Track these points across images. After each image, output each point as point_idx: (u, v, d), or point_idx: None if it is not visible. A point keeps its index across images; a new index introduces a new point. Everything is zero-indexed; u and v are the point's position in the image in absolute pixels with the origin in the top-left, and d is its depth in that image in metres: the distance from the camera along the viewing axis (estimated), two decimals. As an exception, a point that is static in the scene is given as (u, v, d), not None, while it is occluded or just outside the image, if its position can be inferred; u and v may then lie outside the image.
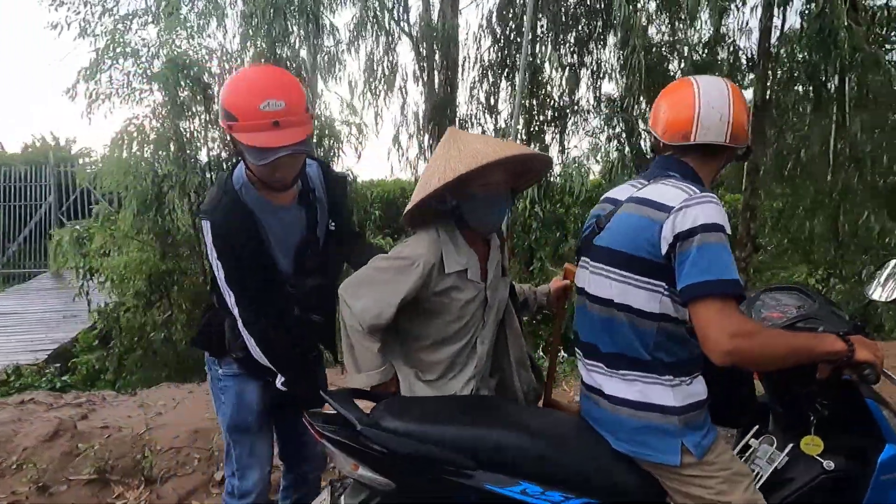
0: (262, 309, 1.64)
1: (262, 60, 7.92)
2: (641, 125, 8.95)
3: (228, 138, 1.66)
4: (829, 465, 1.56)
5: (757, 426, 1.77)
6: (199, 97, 8.45)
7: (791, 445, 1.60)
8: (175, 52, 7.51)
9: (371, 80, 8.30)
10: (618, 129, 9.90)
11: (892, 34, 12.25)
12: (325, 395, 1.44)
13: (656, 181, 1.44)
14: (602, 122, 9.85)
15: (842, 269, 9.68)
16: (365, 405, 1.42)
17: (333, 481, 1.58)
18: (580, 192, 7.56)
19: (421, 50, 8.30)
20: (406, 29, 8.50)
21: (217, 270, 1.61)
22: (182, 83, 8.26)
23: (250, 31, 8.12)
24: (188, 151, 8.45)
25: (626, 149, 8.84)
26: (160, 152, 7.99)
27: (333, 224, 1.81)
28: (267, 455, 1.90)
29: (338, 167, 8.70)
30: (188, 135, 8.72)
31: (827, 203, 8.78)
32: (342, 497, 1.42)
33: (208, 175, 8.63)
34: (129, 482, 2.72)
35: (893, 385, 1.55)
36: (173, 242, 9.07)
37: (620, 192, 1.57)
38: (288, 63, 8.21)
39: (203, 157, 8.76)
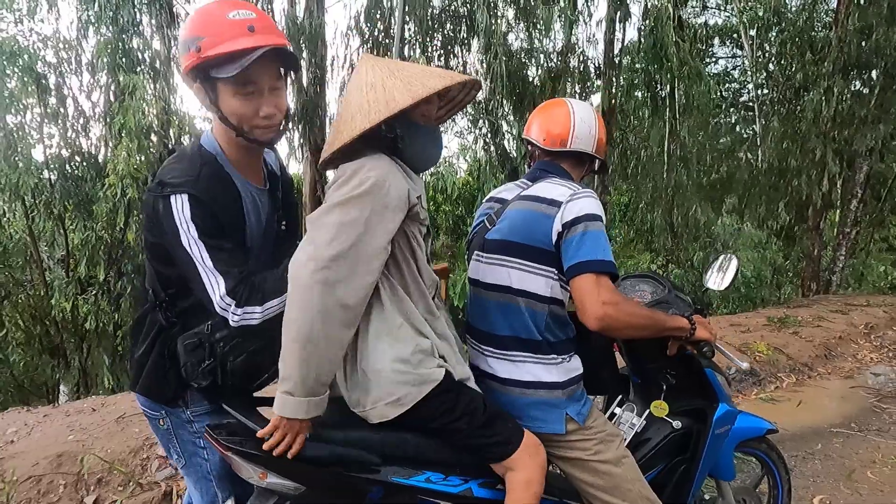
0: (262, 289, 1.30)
1: (109, 50, 7.21)
2: (505, 126, 9.49)
3: (195, 84, 1.31)
4: (677, 424, 1.83)
5: (620, 396, 2.05)
6: (31, 88, 7.56)
7: (648, 411, 1.87)
8: (1, 38, 6.62)
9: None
10: (484, 131, 10.43)
11: (710, 50, 14.16)
12: (226, 405, 1.35)
13: (540, 181, 1.65)
14: (469, 124, 10.31)
15: (677, 255, 11.03)
16: (267, 412, 1.36)
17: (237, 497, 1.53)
18: (451, 190, 7.85)
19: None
20: (270, 24, 8.22)
21: (194, 255, 1.25)
22: (9, 71, 7.35)
23: (91, 16, 7.35)
24: (19, 148, 7.52)
25: (492, 149, 9.30)
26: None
27: (285, 224, 1.52)
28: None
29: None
30: (19, 131, 7.76)
31: (663, 198, 9.89)
32: None
33: (46, 175, 7.74)
34: (-21, 520, 2.44)
35: (725, 357, 1.89)
36: (5, 251, 8.04)
37: (506, 192, 1.76)
38: (139, 54, 7.58)
39: (39, 155, 7.84)
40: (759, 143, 12.33)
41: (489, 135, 9.49)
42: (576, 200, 1.51)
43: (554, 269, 1.53)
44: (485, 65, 8.28)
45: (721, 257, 1.98)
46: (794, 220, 13.02)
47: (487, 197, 1.80)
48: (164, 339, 1.37)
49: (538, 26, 8.24)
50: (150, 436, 2.95)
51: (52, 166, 7.67)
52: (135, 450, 2.84)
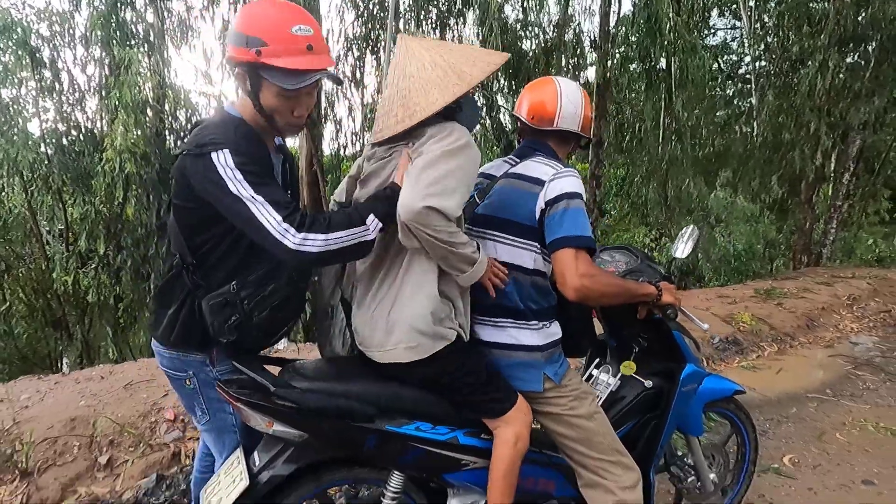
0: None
1: (102, 22, 7.19)
2: (500, 100, 9.52)
3: (239, 70, 1.40)
4: (648, 383, 2.00)
5: (598, 359, 2.20)
6: (25, 62, 7.54)
7: (621, 373, 2.04)
8: (-6, 11, 6.58)
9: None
10: (479, 103, 10.45)
11: (709, 21, 14.05)
12: (237, 363, 1.50)
13: (527, 159, 1.76)
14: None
15: (670, 229, 11.16)
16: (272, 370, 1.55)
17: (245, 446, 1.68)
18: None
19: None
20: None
21: (257, 210, 1.31)
22: (2, 45, 7.32)
23: (84, -11, 7.31)
24: (15, 122, 7.54)
25: (488, 122, 9.34)
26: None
27: (290, 193, 1.63)
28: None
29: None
30: (15, 105, 7.76)
31: (657, 172, 9.97)
32: (255, 452, 1.58)
33: (43, 149, 7.77)
34: (1, 478, 2.60)
35: (688, 320, 2.05)
36: (4, 225, 8.11)
37: (495, 168, 1.86)
38: (132, 27, 7.55)
39: (35, 129, 7.86)
40: (754, 117, 12.34)
41: (485, 109, 9.53)
42: (558, 179, 1.63)
43: (537, 244, 1.66)
44: (480, 38, 8.29)
45: (687, 229, 2.11)
46: (787, 194, 13.15)
47: (478, 172, 1.91)
48: (192, 300, 1.47)
49: (533, -2, 8.22)
50: (157, 401, 3.11)
51: (48, 141, 7.69)
52: (143, 414, 3.00)
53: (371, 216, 1.39)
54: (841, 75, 10.38)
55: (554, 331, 1.73)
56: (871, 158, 12.64)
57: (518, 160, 1.78)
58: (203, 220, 1.42)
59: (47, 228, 8.76)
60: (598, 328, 2.12)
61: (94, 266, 7.61)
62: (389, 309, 1.50)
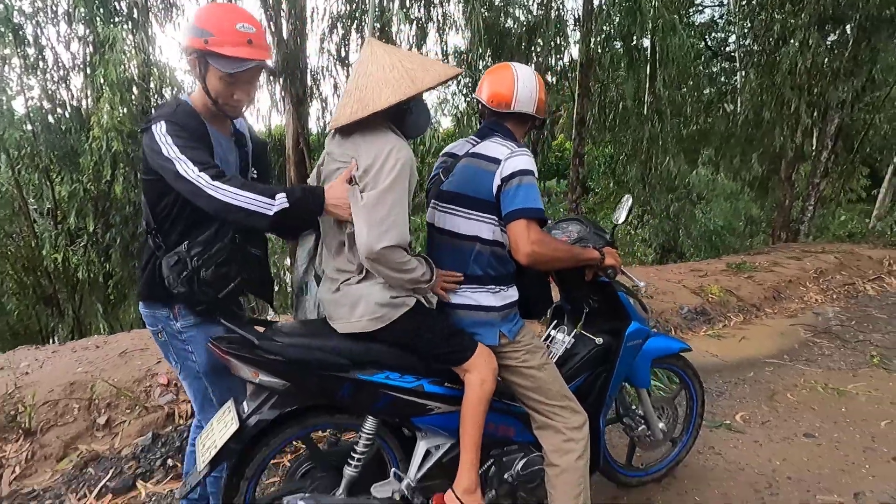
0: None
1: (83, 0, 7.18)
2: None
3: (191, 57, 1.66)
4: (599, 340, 2.22)
5: (556, 321, 2.41)
6: (8, 39, 7.52)
7: (574, 331, 2.26)
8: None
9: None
10: (463, 83, 10.53)
11: (691, 1, 14.10)
12: (225, 321, 1.70)
13: (487, 139, 1.93)
14: (449, 76, 10.36)
15: (652, 206, 11.40)
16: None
17: (236, 397, 1.88)
18: (431, 143, 8.04)
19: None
20: (248, -28, 8.17)
21: (180, 166, 1.55)
22: (-15, 22, 7.29)
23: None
24: (2, 101, 7.55)
25: (473, 100, 9.44)
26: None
27: (255, 172, 1.92)
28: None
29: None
30: (-1, 83, 7.74)
31: (640, 150, 10.15)
32: (244, 401, 1.78)
33: (29, 127, 7.80)
34: (6, 437, 2.78)
35: (628, 279, 2.29)
36: (-8, 204, 8.18)
37: (458, 147, 2.04)
38: (116, 4, 7.55)
39: (20, 107, 7.87)
40: (738, 95, 12.50)
41: (470, 85, 9.62)
42: (512, 158, 1.81)
43: (495, 217, 1.84)
44: (464, 16, 8.36)
45: (624, 198, 2.32)
46: (767, 172, 13.41)
47: (443, 151, 2.08)
48: (154, 261, 1.75)
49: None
50: (151, 367, 3.30)
51: (34, 119, 7.72)
52: (138, 379, 3.19)
53: (282, 196, 1.57)
54: (821, 54, 10.54)
55: (510, 294, 1.93)
56: (850, 137, 12.89)
57: (478, 140, 1.95)
58: (161, 190, 1.67)
59: (35, 206, 8.81)
60: (557, 296, 2.33)
61: (83, 244, 7.72)
62: (355, 285, 1.70)
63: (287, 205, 1.57)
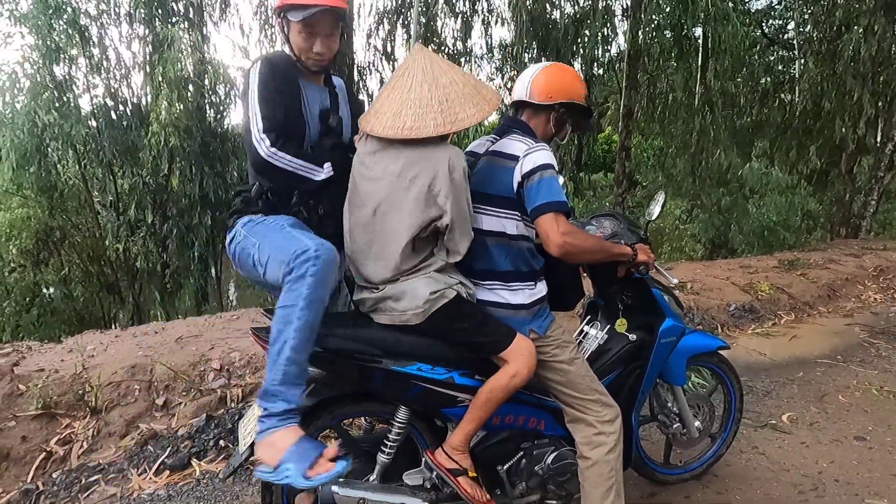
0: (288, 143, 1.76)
1: (145, 1, 7.55)
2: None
3: (278, 19, 1.84)
4: (632, 337, 2.22)
5: (589, 316, 2.43)
6: (75, 40, 7.95)
7: (608, 327, 2.27)
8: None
9: (266, 25, 8.15)
10: (512, 75, 10.47)
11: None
12: (265, 313, 1.79)
13: (505, 136, 1.96)
14: (494, 69, 10.37)
15: (702, 201, 11.06)
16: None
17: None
18: (474, 138, 8.04)
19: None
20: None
21: (251, 101, 1.74)
22: (55, 25, 7.72)
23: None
24: (67, 99, 7.99)
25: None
26: (37, 101, 7.48)
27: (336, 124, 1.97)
28: None
29: (234, 114, 8.57)
30: (67, 81, 8.19)
31: (690, 143, 9.88)
32: None
33: (93, 123, 8.23)
34: (74, 414, 3.00)
35: (661, 276, 2.27)
36: (61, 197, 8.67)
37: (478, 146, 2.07)
38: (174, 5, 7.88)
39: (86, 105, 8.32)
40: (796, 85, 11.98)
41: (513, 80, 9.56)
42: (531, 154, 1.83)
43: (518, 213, 1.87)
44: (510, 8, 8.32)
45: (657, 193, 2.31)
46: (826, 165, 12.81)
47: (465, 150, 2.12)
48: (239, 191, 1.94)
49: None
50: (205, 353, 3.48)
51: (98, 115, 8.14)
52: (193, 363, 3.37)
53: (328, 165, 1.80)
54: (887, 40, 9.99)
55: (540, 290, 1.95)
56: (919, 127, 12.16)
57: (497, 138, 1.98)
58: None
59: (98, 199, 9.31)
60: (589, 291, 2.34)
61: (142, 235, 8.12)
62: (399, 283, 1.75)
63: (332, 173, 1.80)
